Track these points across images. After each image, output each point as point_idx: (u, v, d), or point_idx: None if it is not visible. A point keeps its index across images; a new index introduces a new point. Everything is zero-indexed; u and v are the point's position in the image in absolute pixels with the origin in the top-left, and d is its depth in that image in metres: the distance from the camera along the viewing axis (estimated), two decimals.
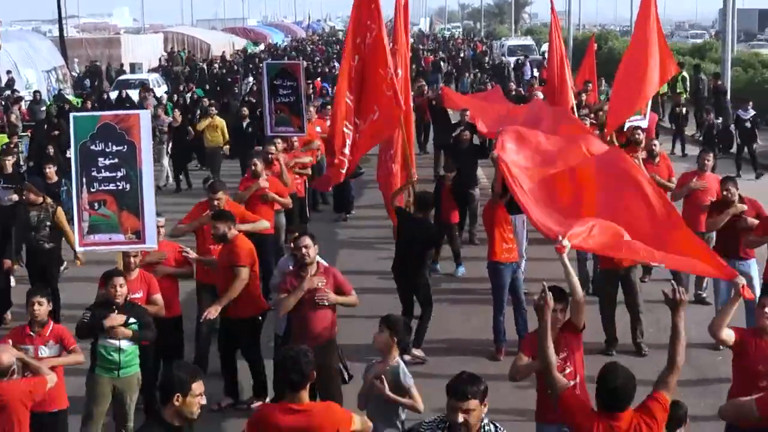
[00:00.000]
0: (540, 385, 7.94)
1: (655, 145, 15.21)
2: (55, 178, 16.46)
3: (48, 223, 13.49)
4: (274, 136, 16.60)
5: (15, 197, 14.69)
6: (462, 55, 60.58)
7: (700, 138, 26.19)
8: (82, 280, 14.15)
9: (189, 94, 33.98)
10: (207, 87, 41.35)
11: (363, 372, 8.05)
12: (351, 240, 18.39)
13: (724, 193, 12.26)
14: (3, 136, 22.60)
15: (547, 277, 12.44)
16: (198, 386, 6.06)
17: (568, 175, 10.26)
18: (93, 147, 9.65)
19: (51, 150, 20.48)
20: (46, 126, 24.60)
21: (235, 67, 52.53)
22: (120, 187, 9.66)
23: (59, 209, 13.71)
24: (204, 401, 6.14)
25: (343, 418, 6.64)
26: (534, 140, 11.31)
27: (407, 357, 12.13)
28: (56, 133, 23.20)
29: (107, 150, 9.61)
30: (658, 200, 9.57)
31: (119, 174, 9.64)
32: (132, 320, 9.17)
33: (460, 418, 5.99)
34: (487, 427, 6.16)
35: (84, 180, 9.68)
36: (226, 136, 23.95)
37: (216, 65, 52.42)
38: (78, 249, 10.14)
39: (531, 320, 12.15)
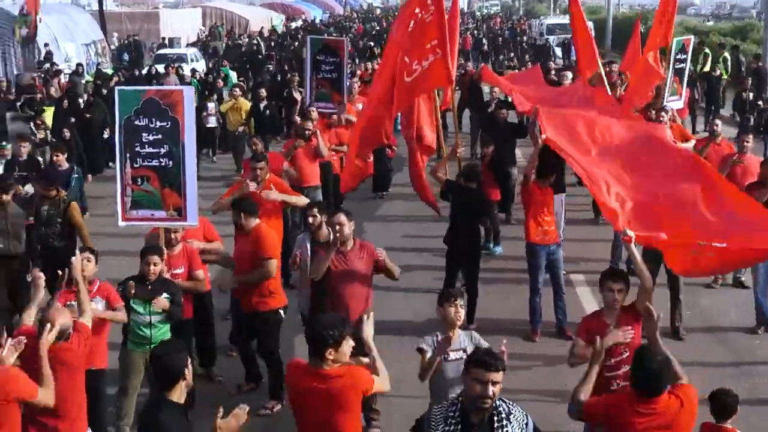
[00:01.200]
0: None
1: (717, 125, 15.02)
2: (66, 165, 15.27)
3: (59, 219, 12.75)
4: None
5: (31, 189, 13.95)
6: (502, 34, 59.90)
7: (738, 119, 25.90)
8: (119, 254, 14.23)
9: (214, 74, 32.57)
10: (237, 65, 40.45)
11: (417, 345, 7.87)
12: (385, 217, 18.38)
13: None
14: (50, 109, 22.68)
15: (585, 257, 12.63)
16: (189, 360, 6.33)
17: (623, 158, 10.17)
18: (137, 122, 9.65)
19: (66, 134, 19.77)
20: (67, 104, 23.28)
21: (271, 44, 52.31)
22: (163, 164, 9.66)
23: (73, 204, 12.96)
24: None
25: (364, 379, 6.59)
26: (579, 122, 11.28)
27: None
28: (87, 116, 22.59)
29: (151, 125, 9.61)
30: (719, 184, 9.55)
31: (162, 150, 9.64)
32: (165, 295, 9.23)
33: (490, 390, 5.79)
34: (500, 408, 5.95)
35: (128, 155, 9.71)
36: (251, 119, 22.99)
37: (254, 41, 51.87)
38: (120, 224, 10.11)
39: (570, 304, 12.23)
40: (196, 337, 10.55)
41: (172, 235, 9.97)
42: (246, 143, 20.45)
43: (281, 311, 10.32)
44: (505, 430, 5.85)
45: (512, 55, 45.96)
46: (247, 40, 53.38)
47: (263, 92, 23.30)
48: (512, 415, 5.92)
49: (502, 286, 14.06)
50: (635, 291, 7.98)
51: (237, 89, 24.04)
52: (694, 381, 8.20)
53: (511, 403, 6.01)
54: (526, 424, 5.99)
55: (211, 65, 35.90)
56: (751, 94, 24.82)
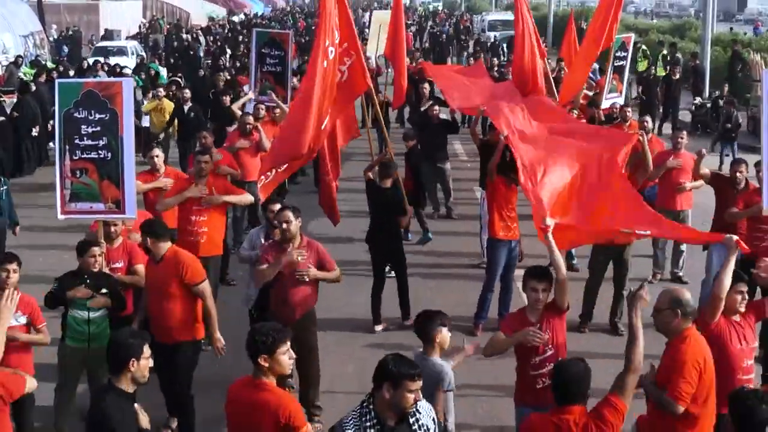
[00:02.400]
0: (520, 368, 7.91)
1: (647, 122, 15.17)
2: None
3: None
4: (258, 104, 16.63)
5: None
6: (446, 30, 59.48)
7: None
8: (58, 248, 14.09)
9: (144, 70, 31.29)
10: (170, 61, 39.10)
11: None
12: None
13: (738, 174, 12.09)
14: None
15: (530, 252, 12.69)
16: (147, 348, 6.26)
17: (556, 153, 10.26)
18: (77, 114, 9.57)
19: None
20: None
21: (215, 38, 51.84)
22: (101, 156, 9.59)
23: None
24: (151, 363, 6.28)
25: (289, 411, 6.25)
26: (523, 119, 11.37)
27: (379, 328, 12.24)
28: (15, 114, 21.53)
29: (90, 117, 9.54)
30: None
31: (101, 142, 9.57)
32: (104, 291, 9.13)
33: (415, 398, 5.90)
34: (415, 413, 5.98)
35: (67, 147, 9.61)
36: (174, 121, 20.73)
37: (185, 36, 50.50)
38: (60, 217, 9.99)
39: (513, 298, 12.30)
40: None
41: (112, 229, 9.87)
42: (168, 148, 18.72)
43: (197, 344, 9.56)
44: (420, 422, 5.96)
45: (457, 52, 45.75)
46: (186, 35, 52.01)
47: (187, 93, 21.00)
48: (420, 406, 6.01)
49: (438, 282, 14.14)
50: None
51: (161, 89, 22.31)
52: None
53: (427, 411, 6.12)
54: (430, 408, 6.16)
55: (139, 61, 34.16)
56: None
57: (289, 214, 9.34)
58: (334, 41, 11.73)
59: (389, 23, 18.94)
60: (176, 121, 20.40)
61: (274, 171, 12.04)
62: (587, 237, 9.85)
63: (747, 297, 7.86)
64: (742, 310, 7.79)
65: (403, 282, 12.66)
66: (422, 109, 19.08)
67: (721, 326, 7.69)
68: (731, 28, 47.39)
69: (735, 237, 7.88)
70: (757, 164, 11.64)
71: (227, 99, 20.25)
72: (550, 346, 7.74)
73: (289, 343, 6.40)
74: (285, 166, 12.13)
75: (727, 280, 7.54)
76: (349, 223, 16.72)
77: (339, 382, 10.60)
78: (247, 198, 12.23)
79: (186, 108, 20.35)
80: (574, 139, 10.57)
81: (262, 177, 11.91)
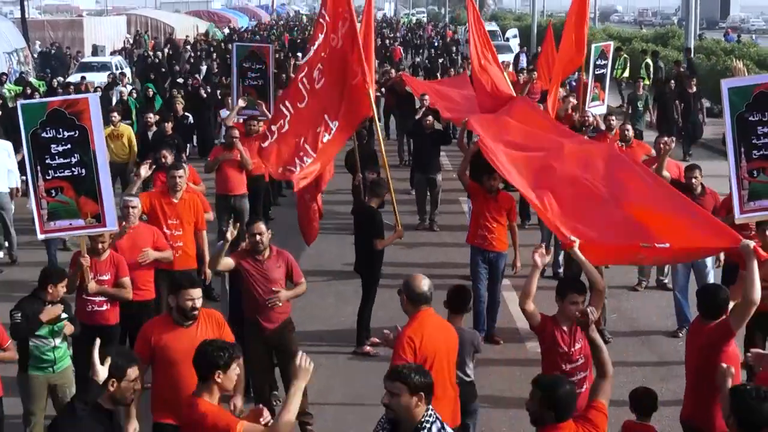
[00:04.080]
0: None
1: (627, 130, 15.15)
2: None
3: None
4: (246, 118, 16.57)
5: None
6: (436, 44, 58.87)
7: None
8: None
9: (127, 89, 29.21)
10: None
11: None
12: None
13: (693, 180, 12.14)
14: None
15: (527, 263, 12.72)
16: (133, 371, 6.19)
17: (558, 165, 10.24)
18: (44, 134, 9.43)
19: None
20: None
21: (201, 53, 51.48)
22: (75, 173, 9.48)
23: None
24: (138, 386, 6.26)
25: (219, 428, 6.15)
26: (510, 129, 11.39)
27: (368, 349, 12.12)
28: None
29: (59, 136, 9.42)
30: (656, 184, 9.67)
31: (73, 159, 9.47)
32: (64, 315, 9.06)
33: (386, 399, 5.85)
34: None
35: (39, 168, 9.54)
36: (134, 148, 18.79)
37: (157, 52, 49.17)
38: (39, 237, 9.95)
39: None
40: (131, 341, 10.51)
41: (99, 245, 9.83)
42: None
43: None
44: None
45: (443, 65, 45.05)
46: (157, 52, 50.53)
47: (151, 117, 19.60)
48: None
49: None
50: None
51: (115, 113, 19.53)
52: (620, 383, 8.33)
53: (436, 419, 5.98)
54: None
55: (109, 80, 32.11)
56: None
57: (263, 226, 9.53)
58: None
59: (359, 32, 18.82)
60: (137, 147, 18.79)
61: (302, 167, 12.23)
62: (614, 255, 9.60)
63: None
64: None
65: (365, 303, 12.19)
66: (416, 118, 19.06)
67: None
68: (700, 36, 47.63)
69: (753, 243, 7.95)
70: (687, 169, 11.82)
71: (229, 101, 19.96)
72: (582, 355, 7.79)
73: (241, 359, 6.45)
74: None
75: (757, 284, 7.56)
76: (336, 237, 16.76)
77: (327, 394, 10.59)
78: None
79: (150, 133, 19.07)
80: (568, 148, 10.59)
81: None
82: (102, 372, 6.12)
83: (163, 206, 11.60)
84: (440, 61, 41.80)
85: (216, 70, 34.09)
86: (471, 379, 8.67)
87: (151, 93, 26.42)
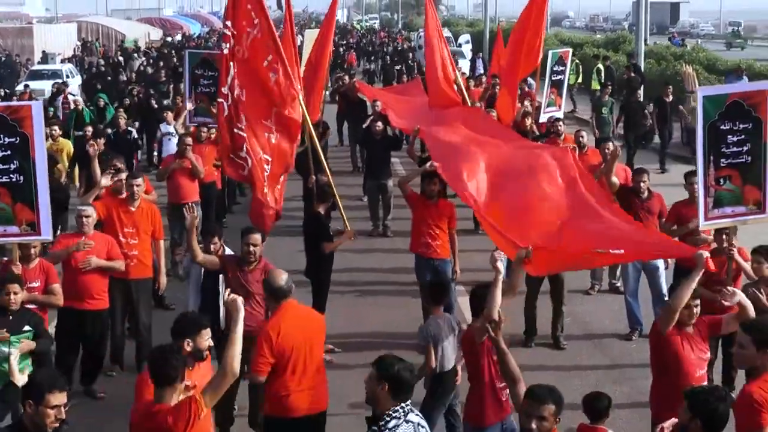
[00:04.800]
0: (475, 391, 7.93)
1: (582, 136, 14.96)
2: None
3: None
4: (196, 125, 16.49)
5: None
6: (387, 51, 58.34)
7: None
8: None
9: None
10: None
11: None
12: (273, 231, 18.22)
13: (641, 184, 12.23)
14: None
15: (464, 267, 12.75)
16: (55, 398, 5.84)
17: (506, 174, 10.27)
18: None
19: None
20: None
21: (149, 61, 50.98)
22: (14, 180, 9.36)
23: None
24: (63, 416, 5.89)
25: (183, 411, 6.09)
26: (463, 141, 11.40)
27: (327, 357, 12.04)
28: None
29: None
30: (601, 194, 9.75)
31: (12, 166, 9.35)
32: (27, 328, 8.88)
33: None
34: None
35: None
36: (65, 164, 17.89)
37: (100, 60, 48.42)
38: None
39: None
40: (84, 351, 10.62)
41: (32, 251, 9.76)
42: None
43: None
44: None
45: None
46: (101, 59, 49.60)
47: (89, 130, 18.64)
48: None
49: (378, 299, 14.10)
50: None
51: (55, 127, 19.21)
52: (574, 387, 8.37)
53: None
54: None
55: (54, 90, 30.40)
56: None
57: (258, 238, 9.58)
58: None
59: (318, 36, 18.78)
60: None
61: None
62: (562, 262, 9.62)
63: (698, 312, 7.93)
64: (692, 323, 7.87)
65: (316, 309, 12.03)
66: (365, 125, 19.06)
67: (675, 336, 7.78)
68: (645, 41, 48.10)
69: (706, 254, 8.03)
70: (688, 175, 11.77)
71: (170, 116, 19.64)
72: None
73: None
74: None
75: (687, 294, 7.67)
76: (288, 241, 16.71)
77: None
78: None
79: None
80: (521, 156, 10.62)
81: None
82: (21, 379, 5.99)
83: (120, 214, 11.50)
84: (396, 68, 41.34)
85: (163, 79, 33.16)
86: (449, 369, 8.88)
87: (102, 103, 25.50)
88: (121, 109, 21.56)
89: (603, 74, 32.32)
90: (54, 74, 39.47)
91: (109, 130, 19.85)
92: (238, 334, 6.39)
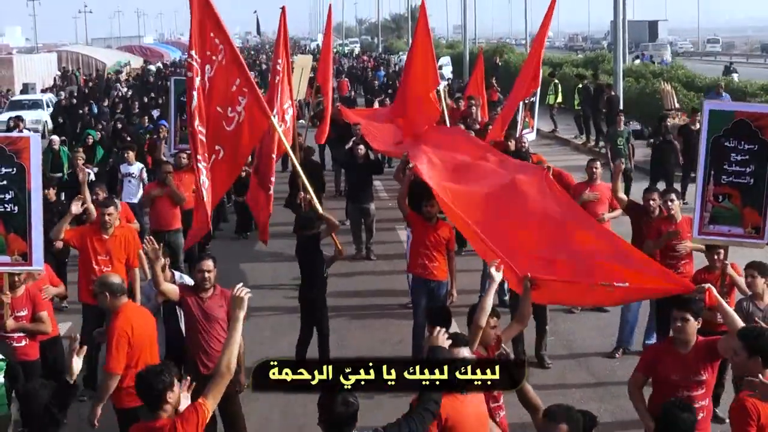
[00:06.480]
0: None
1: (596, 167, 14.06)
2: None
3: None
4: (178, 152, 16.51)
5: None
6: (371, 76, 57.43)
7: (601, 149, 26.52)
8: None
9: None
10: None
11: None
12: (253, 257, 18.25)
13: (651, 203, 11.90)
14: None
15: (467, 288, 12.82)
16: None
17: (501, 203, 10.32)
18: None
19: None
20: None
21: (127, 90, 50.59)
22: (8, 209, 9.50)
23: None
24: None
25: (191, 419, 6.22)
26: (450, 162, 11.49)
27: None
28: None
29: None
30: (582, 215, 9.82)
31: (8, 196, 9.49)
32: (0, 357, 8.86)
33: None
34: None
35: None
36: None
37: (71, 89, 48.14)
38: None
39: None
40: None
41: (16, 278, 9.80)
42: None
43: None
44: None
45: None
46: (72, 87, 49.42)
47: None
48: None
49: (364, 321, 14.12)
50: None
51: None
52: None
53: None
54: None
55: (11, 124, 27.65)
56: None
57: (211, 263, 9.42)
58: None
59: (320, 61, 19.09)
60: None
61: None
62: (567, 294, 9.65)
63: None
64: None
65: (322, 338, 11.99)
66: (347, 147, 19.09)
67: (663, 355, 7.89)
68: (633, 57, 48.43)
69: (708, 286, 8.11)
70: (665, 193, 11.87)
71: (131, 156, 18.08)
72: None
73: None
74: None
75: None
76: (271, 267, 16.73)
77: (266, 426, 10.54)
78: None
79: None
80: (507, 178, 10.68)
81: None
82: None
83: (94, 242, 11.54)
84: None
85: (137, 110, 31.65)
86: None
87: (90, 141, 22.59)
88: (80, 150, 19.44)
89: (583, 94, 32.29)
90: (35, 104, 39.52)
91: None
92: (238, 331, 6.56)
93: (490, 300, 7.86)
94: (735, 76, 38.61)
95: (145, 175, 17.68)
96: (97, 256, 11.48)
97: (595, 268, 8.94)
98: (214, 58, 12.05)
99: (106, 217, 11.57)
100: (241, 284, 6.71)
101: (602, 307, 13.80)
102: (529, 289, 8.40)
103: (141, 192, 16.78)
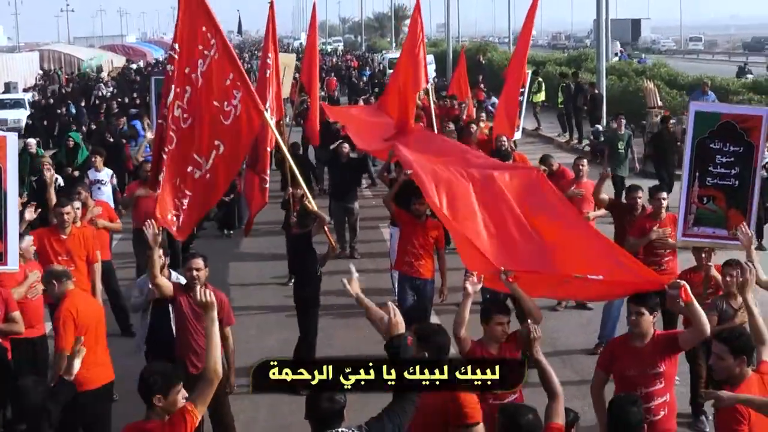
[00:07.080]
0: None
1: (582, 164, 14.36)
2: None
3: None
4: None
5: None
6: (355, 75, 57.51)
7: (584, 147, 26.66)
8: None
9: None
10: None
11: None
12: (237, 255, 18.25)
13: (637, 200, 12.15)
14: None
15: (457, 285, 12.80)
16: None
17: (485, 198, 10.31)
18: None
19: None
20: None
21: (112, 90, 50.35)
22: None
23: None
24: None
25: (189, 422, 6.19)
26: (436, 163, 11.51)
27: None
28: None
29: None
30: (579, 222, 9.82)
31: None
32: None
33: None
34: None
35: None
36: None
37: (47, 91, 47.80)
38: None
39: None
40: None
41: (65, 218, 10.08)
42: None
43: None
44: None
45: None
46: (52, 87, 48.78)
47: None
48: None
49: (350, 319, 14.09)
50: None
51: None
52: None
53: None
54: None
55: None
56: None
57: (200, 262, 9.38)
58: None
59: (305, 60, 19.12)
60: None
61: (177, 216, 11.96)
62: (545, 286, 9.50)
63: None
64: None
65: (307, 339, 11.88)
66: (332, 147, 19.11)
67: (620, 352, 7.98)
68: (617, 55, 48.52)
69: (683, 282, 8.00)
70: (654, 190, 11.86)
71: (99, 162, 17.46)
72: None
73: (181, 384, 6.39)
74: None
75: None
76: (258, 266, 16.72)
77: (252, 425, 10.54)
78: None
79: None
80: (493, 177, 10.68)
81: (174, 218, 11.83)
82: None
83: (53, 243, 11.57)
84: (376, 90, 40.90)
85: (116, 110, 31.11)
86: None
87: (72, 143, 20.93)
88: (45, 156, 18.95)
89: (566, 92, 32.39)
90: (17, 103, 39.31)
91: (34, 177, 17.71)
92: (215, 331, 6.50)
93: (466, 312, 7.86)
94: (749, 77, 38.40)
95: (115, 180, 17.35)
96: (57, 257, 11.46)
97: (569, 260, 8.95)
98: (206, 52, 12.00)
99: (64, 216, 11.63)
100: (201, 288, 6.68)
101: (585, 305, 13.89)
102: (512, 283, 8.33)
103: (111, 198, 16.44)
